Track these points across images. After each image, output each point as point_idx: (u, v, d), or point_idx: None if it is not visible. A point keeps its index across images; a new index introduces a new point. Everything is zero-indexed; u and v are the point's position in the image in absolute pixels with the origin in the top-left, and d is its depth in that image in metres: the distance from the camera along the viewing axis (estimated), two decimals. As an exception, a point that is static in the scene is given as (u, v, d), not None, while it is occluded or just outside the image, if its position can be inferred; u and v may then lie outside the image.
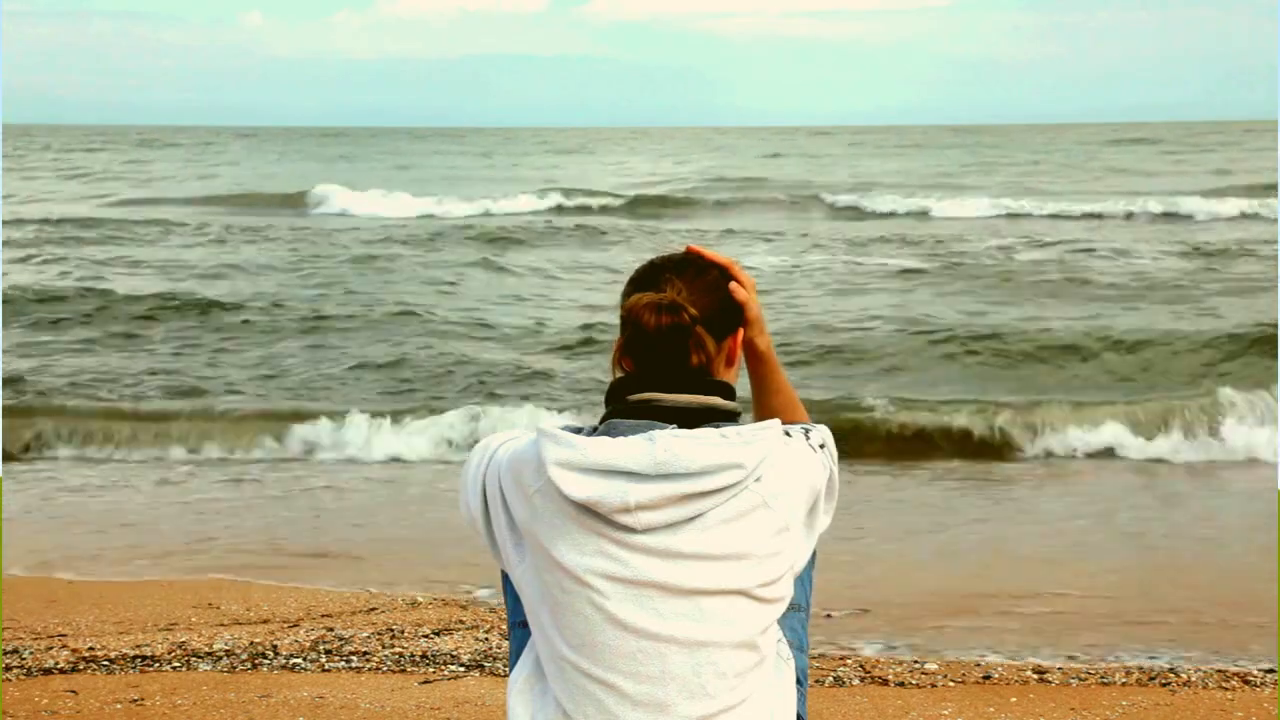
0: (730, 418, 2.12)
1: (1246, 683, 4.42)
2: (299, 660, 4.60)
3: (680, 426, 2.06)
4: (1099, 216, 26.56)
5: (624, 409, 2.11)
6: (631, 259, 19.95)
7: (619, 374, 2.17)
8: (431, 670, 4.48)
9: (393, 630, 5.02)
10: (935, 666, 4.64)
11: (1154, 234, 22.89)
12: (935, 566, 6.31)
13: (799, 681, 2.27)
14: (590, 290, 17.11)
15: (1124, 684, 4.40)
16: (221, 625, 5.19)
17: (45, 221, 25.00)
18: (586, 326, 13.70)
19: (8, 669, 4.44)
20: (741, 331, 2.25)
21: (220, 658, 4.61)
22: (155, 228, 24.65)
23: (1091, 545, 6.72)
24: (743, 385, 2.28)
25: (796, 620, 2.33)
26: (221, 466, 8.91)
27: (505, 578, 2.23)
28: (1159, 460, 8.71)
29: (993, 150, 58.16)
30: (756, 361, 2.38)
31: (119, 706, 4.03)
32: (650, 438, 2.02)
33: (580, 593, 2.03)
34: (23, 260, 19.55)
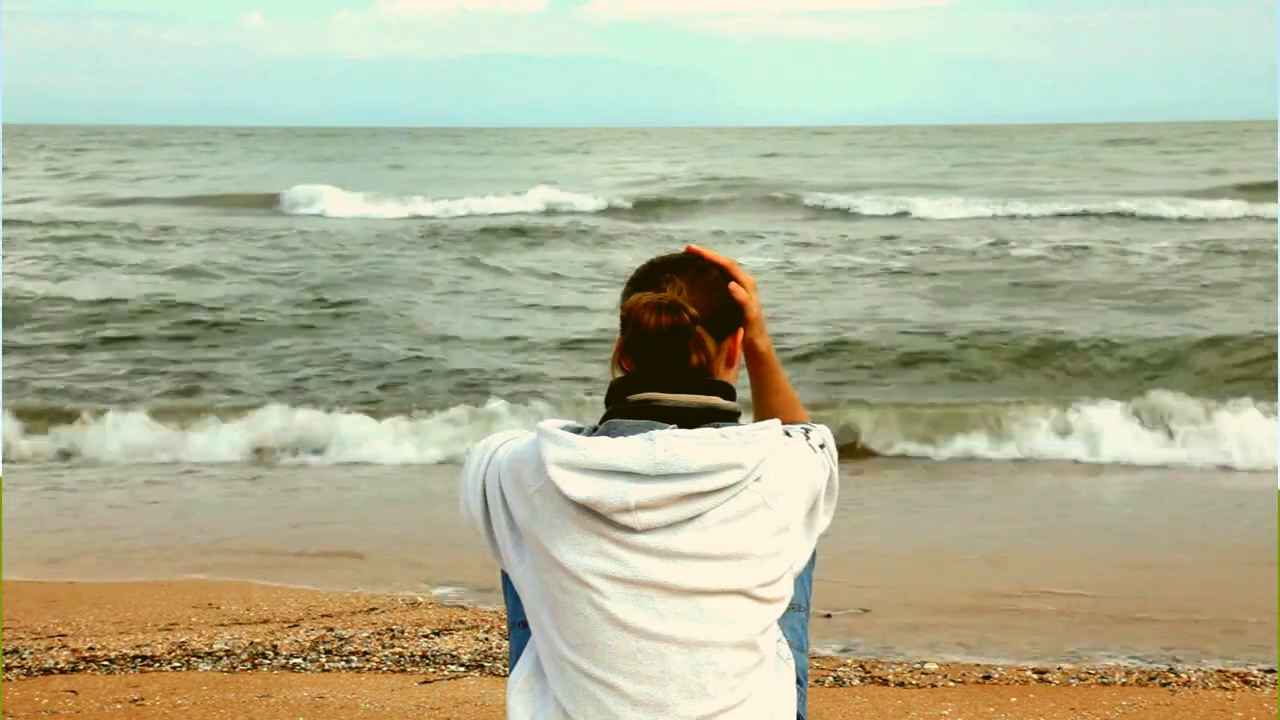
0: (730, 418, 2.12)
1: (1246, 683, 4.42)
2: (299, 660, 4.60)
3: (680, 426, 2.06)
4: (1084, 215, 26.53)
5: (624, 409, 2.11)
6: (595, 259, 20.00)
7: (619, 374, 2.17)
8: (431, 670, 4.48)
9: (393, 630, 5.02)
10: (935, 666, 4.64)
11: (1127, 234, 22.82)
12: (935, 567, 6.31)
13: (799, 681, 2.27)
14: (560, 290, 17.11)
15: (1124, 684, 4.40)
16: (221, 625, 5.19)
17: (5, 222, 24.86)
18: (558, 327, 13.76)
19: (8, 669, 4.44)
20: (741, 332, 2.25)
21: (220, 658, 4.61)
22: (117, 229, 24.48)
23: (1091, 545, 6.72)
24: (743, 386, 2.28)
25: (796, 620, 2.33)
26: (221, 466, 8.91)
27: (505, 578, 2.23)
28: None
29: (987, 150, 58.12)
30: (756, 362, 2.38)
31: (119, 706, 4.03)
32: (650, 438, 2.02)
33: (580, 593, 2.03)
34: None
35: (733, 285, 2.23)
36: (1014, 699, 4.18)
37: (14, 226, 24.13)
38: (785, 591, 2.12)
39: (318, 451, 9.17)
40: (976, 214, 27.48)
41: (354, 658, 4.63)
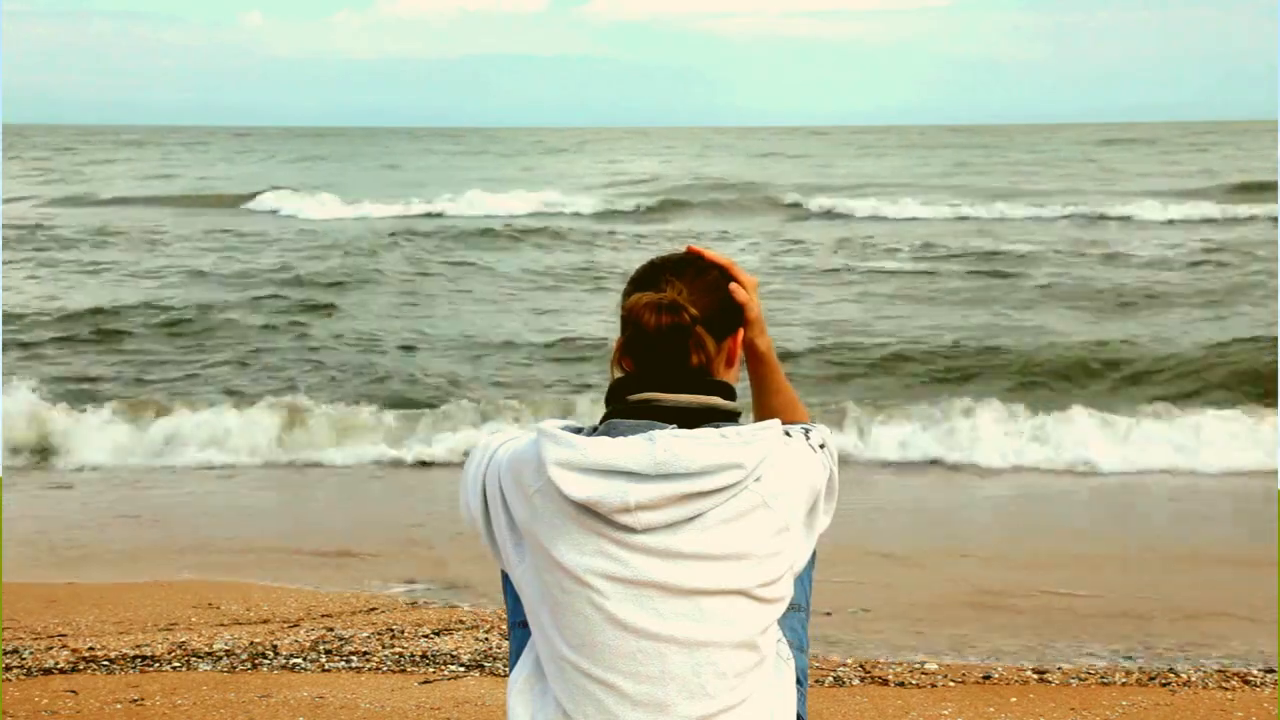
0: (730, 418, 2.12)
1: (1246, 683, 4.42)
2: (299, 660, 4.60)
3: (680, 426, 2.06)
4: (1068, 218, 26.46)
5: (624, 409, 2.11)
6: (551, 262, 19.87)
7: (619, 374, 2.17)
8: (431, 670, 4.48)
9: (393, 630, 5.02)
10: (935, 666, 4.64)
11: (1109, 236, 22.80)
12: (935, 567, 6.31)
13: (799, 681, 2.27)
14: (518, 291, 17.10)
15: (1124, 684, 4.40)
16: (221, 625, 5.19)
17: None
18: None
19: (8, 669, 4.44)
20: (742, 332, 2.25)
21: (220, 658, 4.61)
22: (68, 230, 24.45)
23: (1092, 546, 6.72)
24: (743, 386, 2.28)
25: (796, 620, 2.33)
26: (220, 467, 8.91)
27: (505, 578, 2.23)
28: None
29: (982, 151, 58.10)
30: (757, 362, 2.38)
31: (119, 706, 4.03)
32: (650, 438, 2.02)
33: (580, 593, 2.03)
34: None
35: (733, 285, 2.23)
36: (1014, 699, 4.18)
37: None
38: (785, 591, 2.12)
39: (315, 451, 9.17)
40: (953, 215, 27.41)
41: (354, 658, 4.63)
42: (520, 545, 2.11)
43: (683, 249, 2.27)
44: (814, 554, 2.29)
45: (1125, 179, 35.95)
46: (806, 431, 2.21)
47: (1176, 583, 5.99)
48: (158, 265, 19.72)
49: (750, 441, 2.04)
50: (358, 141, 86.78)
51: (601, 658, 2.04)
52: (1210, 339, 12.37)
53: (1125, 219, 25.75)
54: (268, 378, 11.74)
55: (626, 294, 2.19)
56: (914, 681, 4.40)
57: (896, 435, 9.19)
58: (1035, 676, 4.48)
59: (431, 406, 10.08)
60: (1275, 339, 11.73)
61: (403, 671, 4.47)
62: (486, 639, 4.89)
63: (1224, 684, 4.40)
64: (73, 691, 4.17)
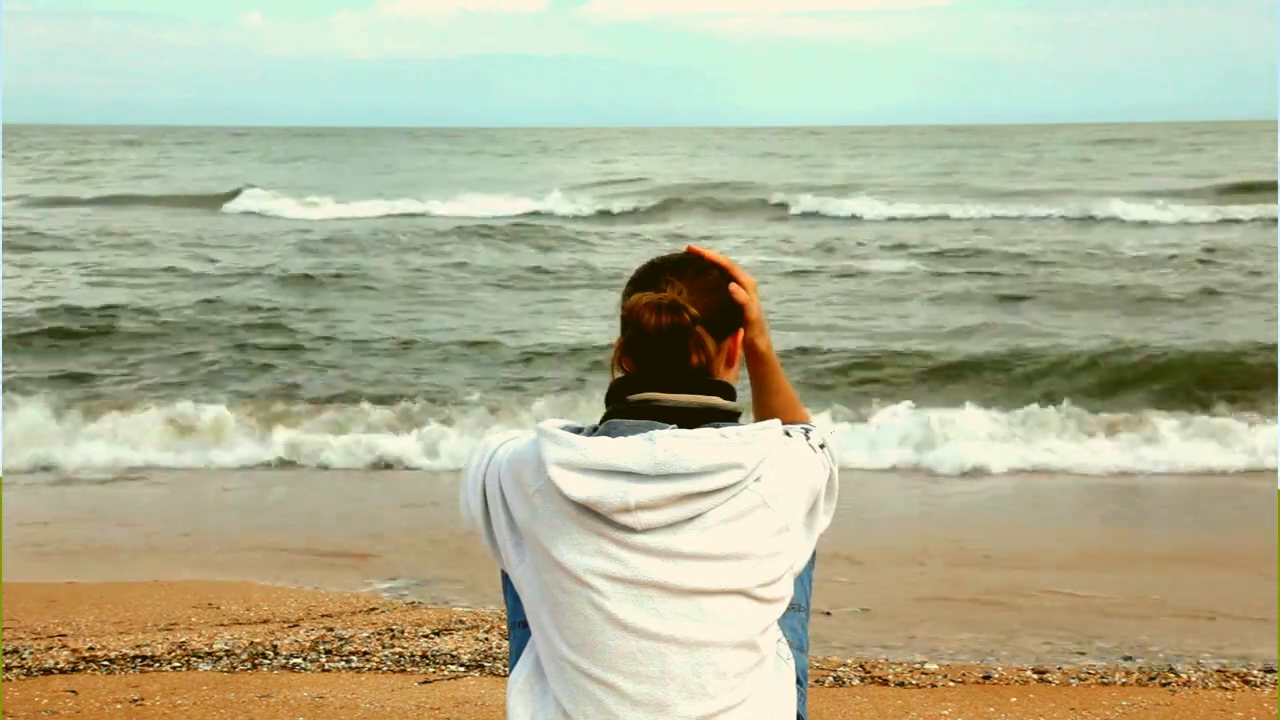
0: (730, 418, 2.12)
1: (1246, 683, 4.42)
2: (299, 660, 4.59)
3: (680, 426, 2.06)
4: (1052, 218, 26.40)
5: (624, 409, 2.11)
6: (508, 263, 19.75)
7: (619, 374, 2.17)
8: (431, 670, 4.47)
9: (393, 630, 5.02)
10: (935, 666, 4.64)
11: (1082, 237, 22.77)
12: (935, 567, 6.31)
13: (799, 681, 2.27)
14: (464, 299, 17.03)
15: (1124, 684, 4.40)
16: (221, 625, 5.19)
17: None
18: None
19: (8, 669, 4.44)
20: (741, 332, 2.25)
21: (220, 658, 4.61)
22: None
23: (1092, 545, 6.72)
24: (743, 386, 2.28)
25: (796, 620, 2.33)
26: (220, 467, 8.91)
27: (505, 578, 2.22)
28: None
29: (979, 151, 58.07)
30: (757, 362, 2.38)
31: (119, 706, 4.03)
32: (650, 438, 2.02)
33: (580, 593, 2.03)
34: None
35: (733, 286, 2.23)
36: (1014, 699, 4.18)
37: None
38: (785, 591, 2.12)
39: (315, 451, 9.17)
40: (939, 215, 27.33)
41: (354, 658, 4.63)
42: (520, 545, 2.11)
43: (682, 249, 2.27)
44: (814, 554, 2.29)
45: (1119, 179, 35.94)
46: (807, 432, 2.21)
47: (1176, 583, 5.99)
48: (132, 266, 19.68)
49: (750, 441, 2.04)
50: (355, 142, 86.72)
51: (601, 658, 2.04)
52: (1188, 343, 12.36)
53: (1114, 219, 25.69)
54: (264, 378, 11.75)
55: (626, 294, 2.19)
56: (914, 681, 4.40)
57: (892, 436, 9.19)
58: (1035, 676, 4.47)
59: (411, 401, 10.10)
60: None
61: (403, 671, 4.47)
62: (486, 639, 4.88)
63: (1224, 684, 4.40)
64: (73, 691, 4.17)
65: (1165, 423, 9.21)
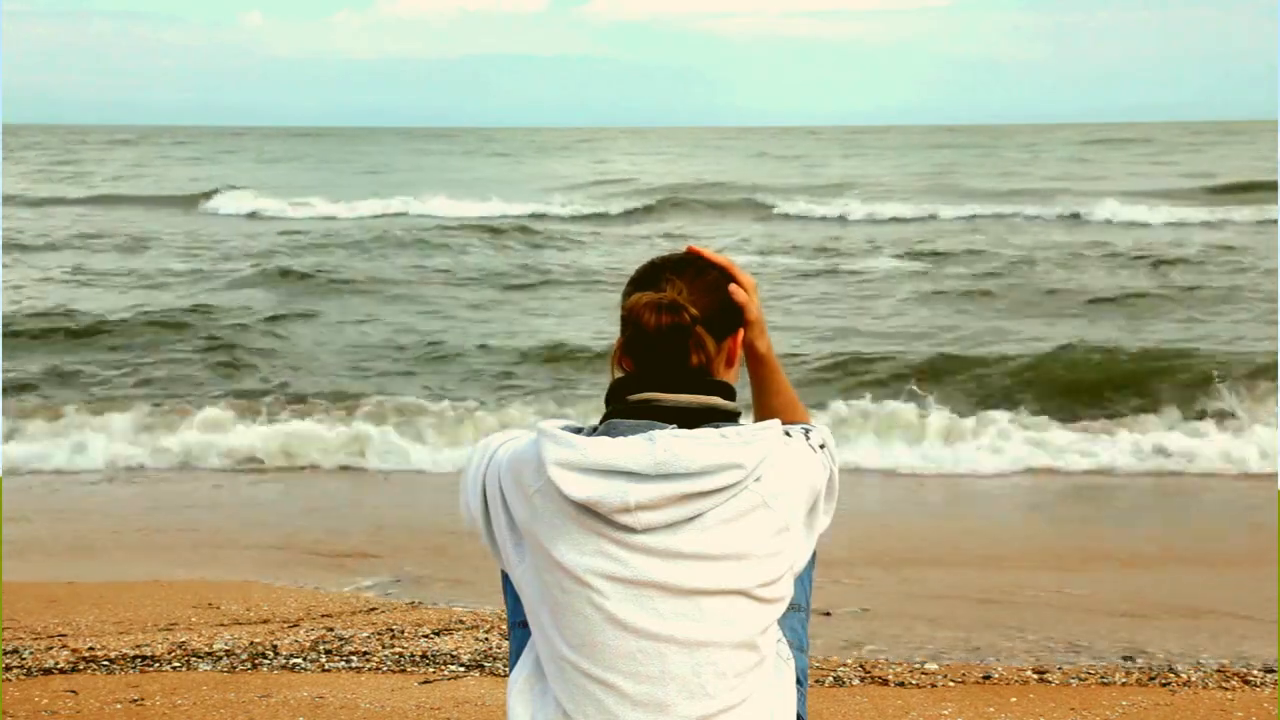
0: (730, 418, 2.12)
1: (1246, 683, 4.42)
2: (299, 660, 4.59)
3: (680, 426, 2.06)
4: (1035, 218, 26.43)
5: (624, 409, 2.11)
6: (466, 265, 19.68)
7: (619, 374, 2.17)
8: (431, 670, 4.47)
9: (393, 630, 5.02)
10: (935, 666, 4.64)
11: (1064, 238, 22.75)
12: (935, 566, 6.31)
13: (799, 681, 2.27)
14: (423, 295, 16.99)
15: (1124, 684, 4.40)
16: (221, 625, 5.19)
17: None
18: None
19: (8, 669, 4.44)
20: (741, 332, 2.25)
21: (220, 658, 4.60)
22: None
23: (1091, 545, 6.72)
24: (743, 387, 2.28)
25: (796, 620, 2.33)
26: (220, 468, 8.91)
27: (505, 578, 2.23)
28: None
29: (974, 151, 58.07)
30: (757, 363, 2.38)
31: (119, 706, 4.02)
32: (650, 438, 2.02)
33: (580, 593, 2.03)
34: None
35: (732, 287, 2.23)
36: (1014, 699, 4.18)
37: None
38: (785, 591, 2.12)
39: (314, 453, 9.17)
40: (920, 215, 27.29)
41: (354, 658, 4.63)
42: (520, 545, 2.11)
43: (681, 249, 2.28)
44: (814, 554, 2.29)
45: (1110, 180, 35.95)
46: (807, 432, 2.21)
47: (1176, 583, 5.99)
48: (104, 267, 19.66)
49: (750, 441, 2.04)
50: (351, 141, 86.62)
51: (601, 658, 2.04)
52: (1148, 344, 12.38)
53: (1094, 220, 25.69)
54: (257, 379, 11.75)
55: (626, 294, 2.19)
56: (914, 681, 4.40)
57: (891, 439, 9.20)
58: (1035, 676, 4.47)
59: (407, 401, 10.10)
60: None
61: (403, 671, 4.47)
62: (486, 639, 4.88)
63: (1224, 684, 4.39)
64: (73, 691, 4.17)
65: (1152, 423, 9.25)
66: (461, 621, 5.20)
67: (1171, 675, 4.50)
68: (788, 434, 2.15)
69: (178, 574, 6.22)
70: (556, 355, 12.52)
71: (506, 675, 2.87)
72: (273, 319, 14.69)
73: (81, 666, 4.51)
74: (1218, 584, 5.95)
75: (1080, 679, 4.45)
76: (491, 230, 24.16)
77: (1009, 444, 9.05)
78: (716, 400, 2.12)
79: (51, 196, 33.57)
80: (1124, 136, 68.74)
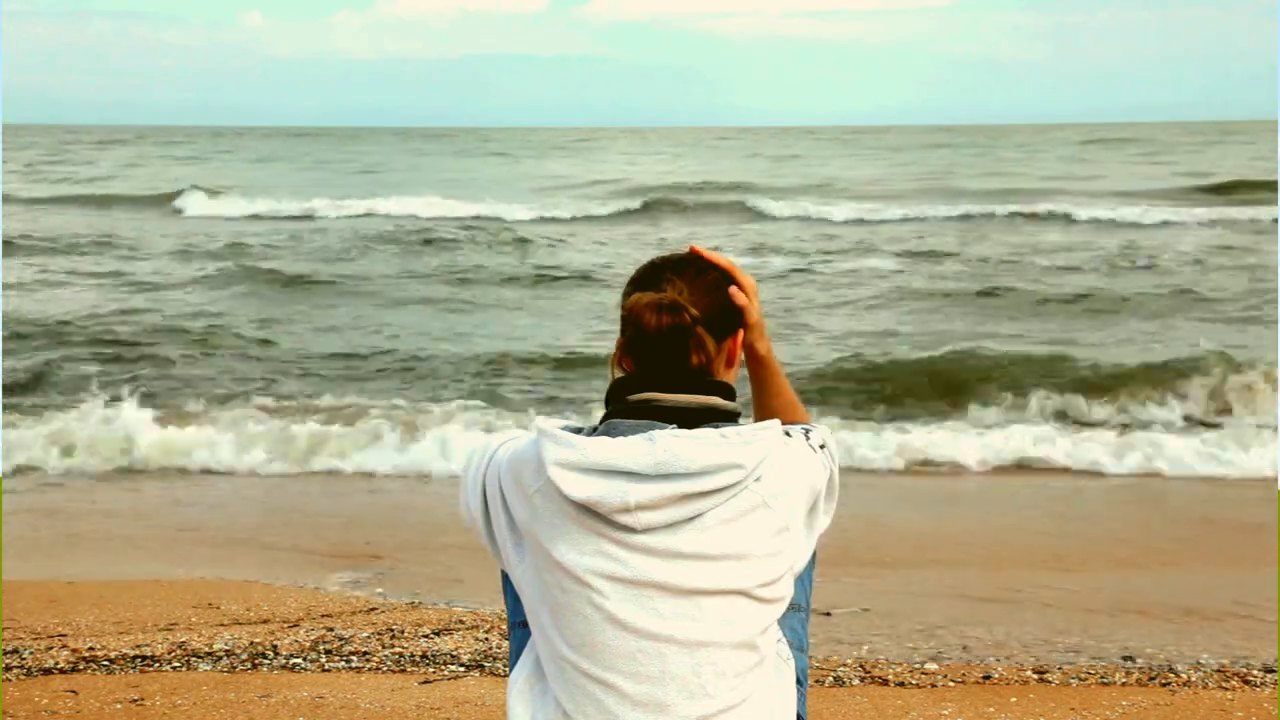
0: (730, 418, 2.12)
1: (1246, 683, 4.42)
2: (299, 660, 4.59)
3: (680, 426, 2.06)
4: (1016, 217, 26.46)
5: (624, 409, 2.11)
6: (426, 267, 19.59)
7: (619, 374, 2.17)
8: (431, 670, 4.47)
9: (393, 630, 5.02)
10: (935, 666, 4.64)
11: (1041, 238, 22.81)
12: (935, 566, 6.31)
13: (799, 681, 2.27)
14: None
15: (1124, 684, 4.40)
16: (221, 625, 5.18)
17: None
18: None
19: (8, 669, 4.43)
20: (741, 333, 2.25)
21: (220, 658, 4.60)
22: None
23: (1091, 545, 6.72)
24: (743, 388, 2.28)
25: (796, 620, 2.33)
26: (219, 469, 8.91)
27: (505, 578, 2.23)
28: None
29: (969, 151, 58.06)
30: (757, 365, 2.38)
31: (119, 706, 4.02)
32: (650, 438, 2.02)
33: (580, 593, 2.04)
34: None
35: (733, 290, 2.23)
36: (1014, 699, 4.18)
37: None
38: (785, 591, 2.12)
39: (313, 452, 9.17)
40: (902, 217, 27.29)
41: (354, 658, 4.63)
42: (520, 545, 2.11)
43: (696, 250, 2.27)
44: (814, 554, 2.29)
45: (1103, 180, 35.97)
46: (807, 432, 2.21)
47: (1176, 583, 5.99)
48: (68, 267, 19.64)
49: (750, 441, 2.04)
50: (346, 141, 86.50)
51: (601, 658, 2.04)
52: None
53: (1072, 219, 25.75)
54: (244, 379, 11.75)
55: (627, 294, 2.19)
56: (914, 681, 4.40)
57: (891, 439, 9.20)
58: (1035, 676, 4.47)
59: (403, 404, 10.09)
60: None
61: (403, 671, 4.47)
62: (486, 639, 4.88)
63: (1224, 684, 4.40)
64: (73, 691, 4.17)
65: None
66: (461, 621, 5.20)
67: (1171, 675, 4.51)
68: (788, 434, 2.15)
69: (178, 574, 6.22)
70: (537, 359, 12.52)
71: (506, 675, 2.87)
72: (259, 322, 14.70)
73: (81, 666, 4.51)
74: (1217, 584, 5.95)
75: (1080, 679, 4.45)
76: (468, 229, 24.13)
77: (1008, 444, 9.05)
78: (716, 400, 2.12)
79: (10, 194, 33.49)
80: (1120, 137, 68.80)
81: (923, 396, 10.62)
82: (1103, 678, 4.47)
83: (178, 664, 4.53)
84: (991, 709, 4.07)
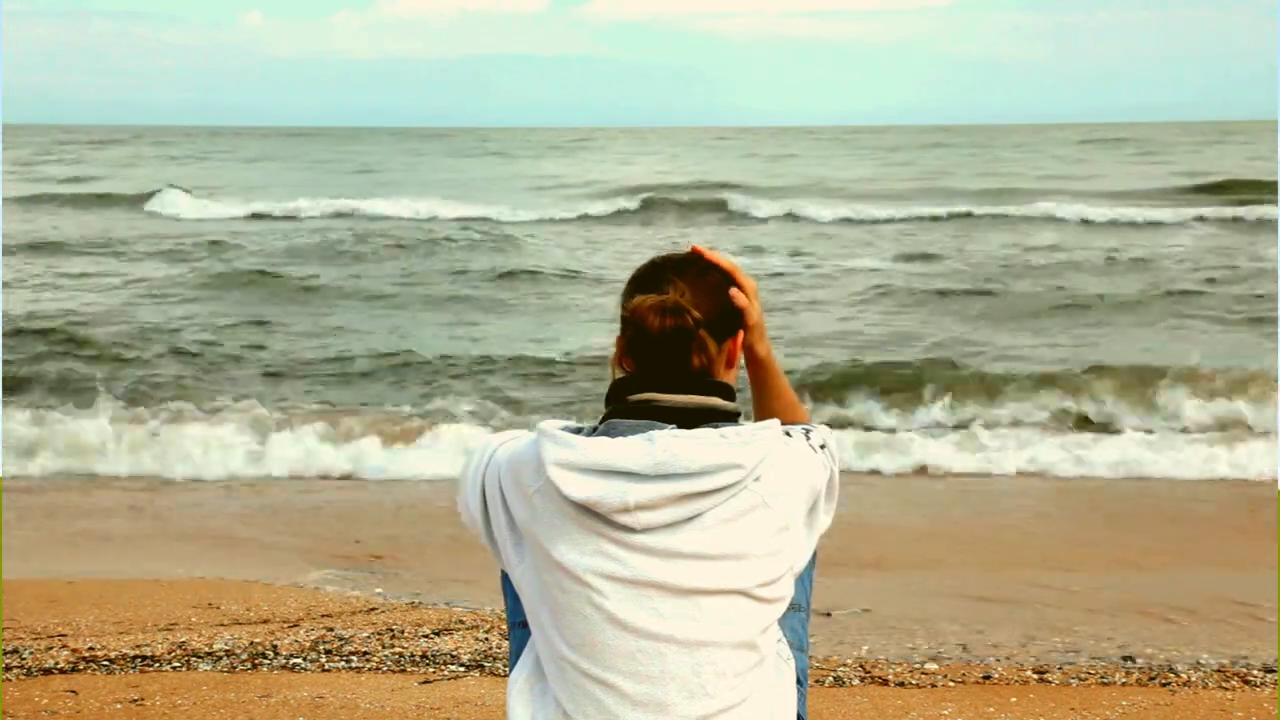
0: (730, 418, 2.12)
1: (1246, 683, 4.42)
2: (299, 660, 4.59)
3: (680, 427, 2.06)
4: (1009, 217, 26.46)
5: (624, 409, 2.11)
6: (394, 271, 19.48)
7: (619, 374, 2.17)
8: (431, 670, 4.47)
9: (393, 630, 5.02)
10: (935, 666, 4.64)
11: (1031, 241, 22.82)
12: (935, 565, 6.31)
13: (799, 681, 2.27)
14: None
15: (1124, 684, 4.40)
16: (221, 625, 5.18)
17: None
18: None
19: (8, 669, 4.43)
20: (741, 334, 2.25)
21: (220, 658, 4.60)
22: None
23: (1091, 545, 6.73)
24: (742, 389, 2.28)
25: (796, 620, 2.33)
26: (220, 469, 8.91)
27: (505, 578, 2.23)
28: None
29: (967, 151, 58.04)
30: (757, 367, 2.38)
31: (119, 706, 4.02)
32: (649, 438, 2.02)
33: (580, 592, 2.04)
34: None
35: (733, 291, 2.23)
36: (1014, 699, 4.18)
37: None
38: (785, 591, 2.12)
39: (313, 453, 9.17)
40: (890, 217, 27.26)
41: (354, 658, 4.63)
42: (520, 545, 2.11)
43: (697, 250, 2.26)
44: (814, 554, 2.29)
45: (1098, 180, 35.97)
46: (807, 432, 2.21)
47: (1176, 583, 5.99)
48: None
49: (750, 441, 2.04)
50: (343, 141, 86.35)
51: (601, 657, 2.04)
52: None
53: (1064, 221, 25.74)
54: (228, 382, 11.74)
55: (628, 294, 2.19)
56: (914, 681, 4.40)
57: (897, 439, 9.22)
58: (1035, 676, 4.48)
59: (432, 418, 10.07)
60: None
61: (403, 671, 4.47)
62: (486, 639, 4.88)
63: (1224, 684, 4.40)
64: (73, 691, 4.17)
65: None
66: (461, 621, 5.20)
67: (1171, 675, 4.51)
68: (788, 434, 2.15)
69: (178, 574, 6.22)
70: (535, 359, 12.51)
71: (506, 675, 2.87)
72: (209, 322, 14.67)
73: (81, 666, 4.51)
74: (1217, 584, 5.95)
75: (1080, 679, 4.46)
76: (450, 231, 23.99)
77: (1006, 445, 9.06)
78: (716, 400, 2.12)
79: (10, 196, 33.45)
80: (1117, 136, 68.81)
81: (911, 397, 10.60)
82: (1103, 678, 4.48)
83: (178, 664, 4.53)
84: (991, 709, 4.07)
